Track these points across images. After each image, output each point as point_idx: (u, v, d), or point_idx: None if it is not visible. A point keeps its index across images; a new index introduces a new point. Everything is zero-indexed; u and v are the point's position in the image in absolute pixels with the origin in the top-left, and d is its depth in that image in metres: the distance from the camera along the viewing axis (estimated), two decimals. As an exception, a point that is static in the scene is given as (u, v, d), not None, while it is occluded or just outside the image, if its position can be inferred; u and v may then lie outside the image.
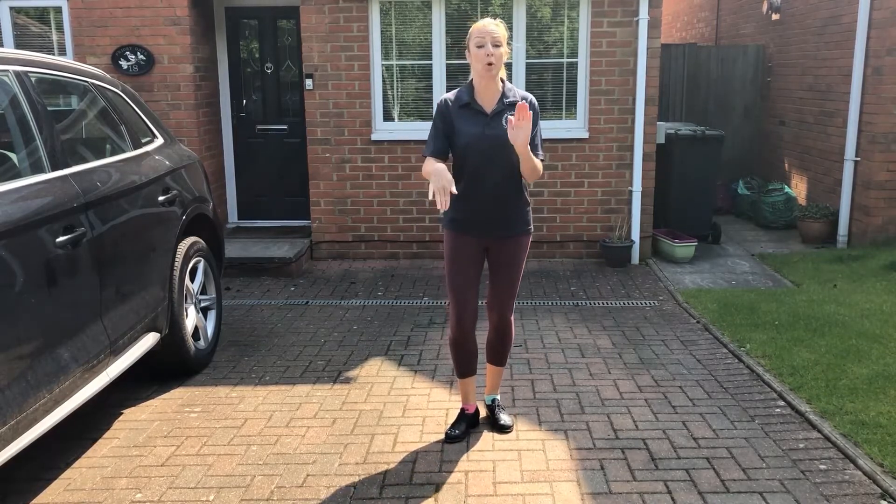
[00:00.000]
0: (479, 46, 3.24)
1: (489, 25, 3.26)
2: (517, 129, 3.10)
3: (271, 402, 4.08)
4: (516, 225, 3.47)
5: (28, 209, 3.02)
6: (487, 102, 3.36)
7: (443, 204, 3.02)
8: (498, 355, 3.72)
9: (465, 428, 3.67)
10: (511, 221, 3.45)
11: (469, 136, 3.32)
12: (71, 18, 6.99)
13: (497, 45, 3.24)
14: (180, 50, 6.99)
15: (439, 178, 3.05)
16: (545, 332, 5.19)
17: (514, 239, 3.47)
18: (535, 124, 3.35)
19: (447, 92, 7.02)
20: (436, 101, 7.11)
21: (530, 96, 3.42)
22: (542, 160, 3.38)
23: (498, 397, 3.83)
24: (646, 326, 5.30)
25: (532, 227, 3.55)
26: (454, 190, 3.06)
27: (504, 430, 3.67)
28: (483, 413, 3.84)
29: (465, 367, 3.66)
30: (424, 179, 7.04)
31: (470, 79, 3.41)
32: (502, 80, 3.39)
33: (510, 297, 3.56)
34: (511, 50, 3.39)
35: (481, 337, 3.77)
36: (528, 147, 3.18)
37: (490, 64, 3.24)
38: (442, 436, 3.65)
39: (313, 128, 7.21)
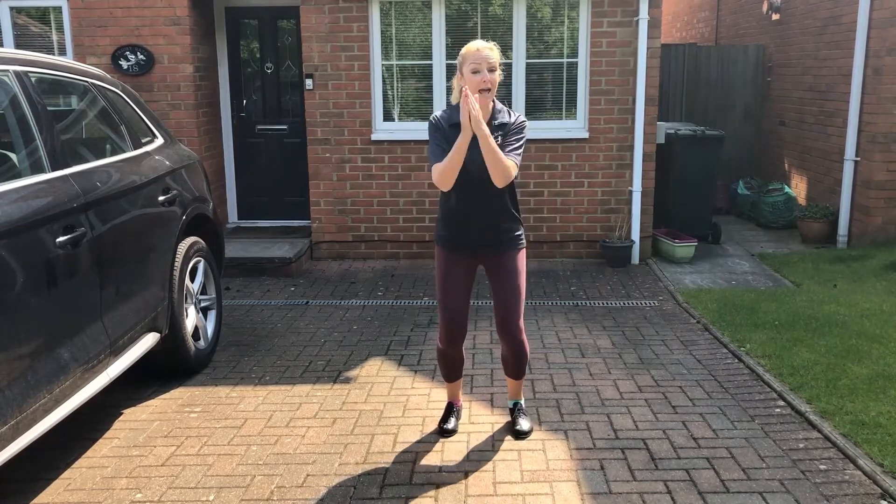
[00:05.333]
0: (475, 72, 3.20)
1: (484, 50, 3.22)
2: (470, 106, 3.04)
3: (271, 402, 4.08)
4: (507, 242, 3.44)
5: (28, 209, 3.01)
6: None
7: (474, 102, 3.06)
8: (515, 371, 3.68)
9: (456, 422, 3.73)
10: (502, 240, 3.43)
11: None
12: (71, 18, 6.99)
13: (492, 70, 3.22)
14: (180, 50, 6.99)
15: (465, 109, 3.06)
16: (545, 332, 5.19)
17: (507, 255, 3.44)
18: (518, 132, 3.30)
19: (445, 95, 7.10)
20: (436, 101, 7.14)
21: (521, 116, 3.36)
22: (514, 163, 3.26)
23: (521, 402, 3.82)
24: (646, 326, 5.30)
25: (524, 242, 3.51)
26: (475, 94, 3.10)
27: (520, 435, 3.64)
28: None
29: (451, 374, 3.70)
30: (424, 179, 7.11)
31: (457, 102, 3.33)
32: (493, 101, 3.33)
33: (515, 317, 3.47)
34: (502, 75, 3.35)
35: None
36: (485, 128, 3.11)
37: (486, 90, 3.20)
38: (442, 436, 3.65)
39: (313, 128, 7.21)
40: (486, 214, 3.37)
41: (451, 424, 3.68)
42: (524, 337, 3.55)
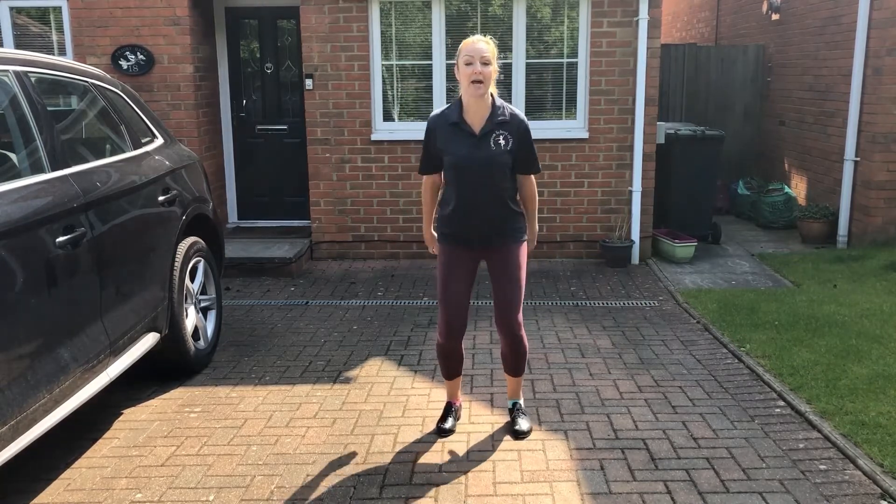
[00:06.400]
0: (468, 64, 3.24)
1: (478, 43, 3.26)
2: None
3: (271, 403, 4.08)
4: (509, 235, 3.46)
5: (28, 209, 3.01)
6: (476, 122, 3.34)
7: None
8: (513, 368, 3.69)
9: (454, 422, 3.73)
10: (503, 234, 3.45)
11: (458, 157, 3.33)
12: (71, 18, 6.99)
13: (486, 64, 3.24)
14: (180, 50, 6.99)
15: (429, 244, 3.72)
16: (545, 332, 5.19)
17: (508, 249, 3.46)
18: (529, 143, 3.39)
19: (445, 95, 7.10)
20: (436, 101, 7.14)
21: (521, 116, 3.40)
22: (537, 171, 3.54)
23: (520, 401, 3.82)
24: (646, 326, 5.29)
25: (526, 236, 3.54)
26: (435, 251, 3.62)
27: (518, 435, 3.63)
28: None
29: (451, 370, 3.71)
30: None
31: (459, 95, 3.39)
32: (492, 96, 3.36)
33: (514, 311, 3.49)
34: (499, 69, 3.43)
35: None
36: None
37: (478, 82, 3.23)
38: (440, 435, 3.65)
39: (313, 128, 7.21)
40: (487, 209, 3.40)
41: (448, 424, 3.68)
42: (523, 332, 3.58)
